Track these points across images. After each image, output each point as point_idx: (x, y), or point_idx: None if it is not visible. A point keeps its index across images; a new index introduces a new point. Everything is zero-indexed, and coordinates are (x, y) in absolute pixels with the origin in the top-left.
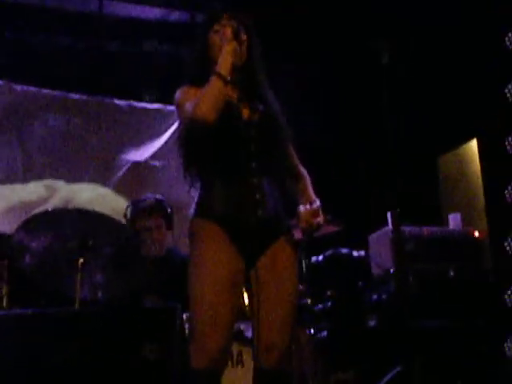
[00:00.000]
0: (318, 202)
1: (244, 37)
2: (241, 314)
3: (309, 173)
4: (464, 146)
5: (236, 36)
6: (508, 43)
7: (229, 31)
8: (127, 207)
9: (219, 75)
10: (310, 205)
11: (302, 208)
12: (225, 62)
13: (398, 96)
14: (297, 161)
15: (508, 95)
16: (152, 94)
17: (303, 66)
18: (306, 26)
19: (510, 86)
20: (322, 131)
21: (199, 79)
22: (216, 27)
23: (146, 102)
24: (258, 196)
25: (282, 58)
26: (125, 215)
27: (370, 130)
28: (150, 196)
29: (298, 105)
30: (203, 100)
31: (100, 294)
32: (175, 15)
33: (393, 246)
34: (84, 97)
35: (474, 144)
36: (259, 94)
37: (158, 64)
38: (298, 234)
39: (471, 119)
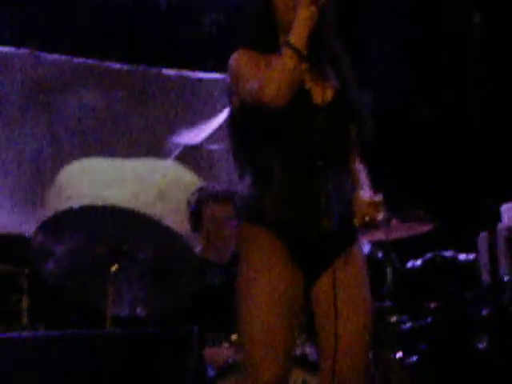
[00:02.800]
0: (380, 195)
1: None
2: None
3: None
4: None
5: (314, 0)
6: None
7: None
8: (193, 193)
9: (294, 49)
10: (371, 195)
11: (361, 194)
12: (301, 31)
13: None
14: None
15: None
16: (210, 60)
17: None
18: None
19: None
20: (415, 102)
21: (261, 43)
22: None
23: (203, 70)
24: (322, 201)
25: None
26: (188, 203)
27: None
28: (215, 185)
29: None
30: (274, 78)
31: (139, 310)
32: None
33: (508, 247)
34: (125, 66)
35: None
36: (335, 67)
37: (217, 22)
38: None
39: None
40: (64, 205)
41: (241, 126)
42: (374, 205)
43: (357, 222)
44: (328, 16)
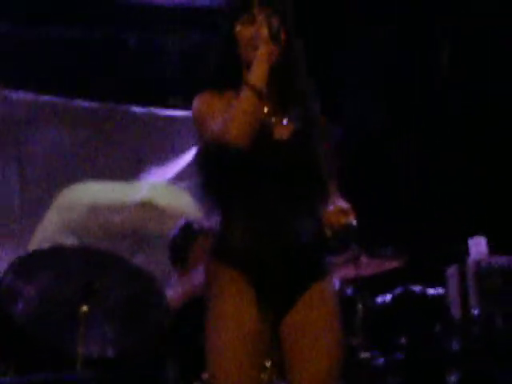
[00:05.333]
0: (346, 204)
1: (283, 34)
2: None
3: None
4: None
5: (275, 35)
6: None
7: (265, 31)
8: (180, 228)
9: (253, 88)
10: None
11: (329, 206)
12: (260, 70)
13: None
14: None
15: None
16: (178, 97)
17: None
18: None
19: None
20: (384, 140)
21: (223, 83)
22: (245, 18)
23: (170, 107)
24: (289, 231)
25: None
26: (174, 238)
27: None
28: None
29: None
30: (234, 120)
31: (110, 351)
32: None
33: (477, 281)
34: (93, 104)
35: None
36: (297, 104)
37: (185, 60)
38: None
39: None
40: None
41: (207, 163)
42: (343, 212)
43: (328, 232)
44: (294, 53)
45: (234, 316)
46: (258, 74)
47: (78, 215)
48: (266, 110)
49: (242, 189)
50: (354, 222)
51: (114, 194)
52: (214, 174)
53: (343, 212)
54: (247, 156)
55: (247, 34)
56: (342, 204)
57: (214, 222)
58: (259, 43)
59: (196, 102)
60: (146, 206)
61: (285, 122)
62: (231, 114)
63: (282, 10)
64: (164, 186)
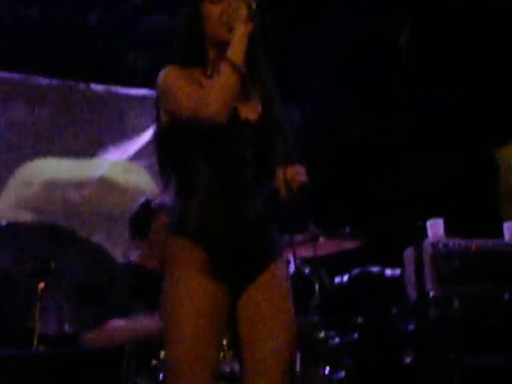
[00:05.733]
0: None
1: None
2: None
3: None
4: None
5: (253, 16)
6: None
7: (244, 11)
8: (135, 211)
9: (234, 65)
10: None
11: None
12: (240, 48)
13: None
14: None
15: None
16: (138, 76)
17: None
18: None
19: None
20: (343, 120)
21: (191, 59)
22: None
23: (130, 86)
24: (250, 212)
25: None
26: (136, 213)
27: (404, 120)
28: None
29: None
30: (214, 96)
31: (67, 327)
32: None
33: (434, 263)
34: (53, 81)
35: None
36: (261, 86)
37: (146, 39)
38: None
39: None
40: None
41: (168, 141)
42: (297, 172)
43: (284, 192)
44: (255, 34)
45: (192, 292)
46: (238, 51)
47: (35, 191)
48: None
49: (203, 167)
50: (307, 181)
51: (72, 171)
52: (176, 150)
53: (297, 172)
54: (214, 133)
55: (216, 12)
56: (295, 166)
57: (172, 199)
58: (238, 22)
59: (163, 75)
60: (105, 183)
61: (249, 103)
62: (211, 91)
63: None
64: (122, 164)
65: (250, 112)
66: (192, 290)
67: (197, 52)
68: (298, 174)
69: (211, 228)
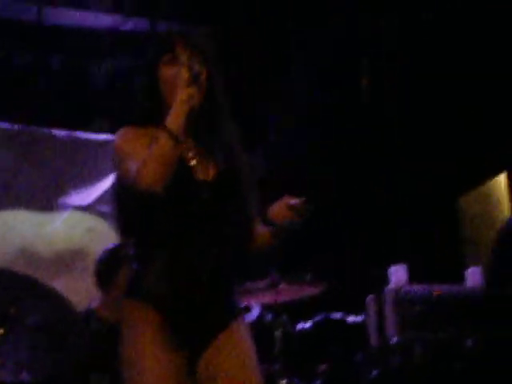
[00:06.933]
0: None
1: (204, 77)
2: None
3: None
4: (490, 182)
5: (194, 79)
6: None
7: (185, 73)
8: (101, 258)
9: (170, 133)
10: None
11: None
12: (178, 114)
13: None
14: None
15: None
16: (101, 121)
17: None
18: None
19: None
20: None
21: (145, 119)
22: (167, 57)
23: (93, 131)
24: (206, 278)
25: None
26: (98, 270)
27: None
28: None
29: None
30: (148, 165)
31: (25, 375)
32: (131, 24)
33: (396, 308)
34: (15, 126)
35: (502, 179)
36: (218, 143)
37: (110, 84)
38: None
39: (498, 150)
40: None
41: (124, 203)
42: (288, 206)
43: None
44: (214, 92)
45: (152, 359)
46: (175, 118)
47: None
48: (189, 147)
49: (160, 228)
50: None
51: (32, 220)
52: (131, 211)
53: (289, 206)
54: (167, 194)
55: (170, 74)
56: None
57: (131, 252)
58: (179, 87)
59: (118, 138)
60: (66, 231)
61: (207, 162)
62: (147, 158)
63: (204, 50)
64: (82, 212)
65: (208, 171)
66: (149, 354)
67: (154, 113)
68: (289, 208)
69: (169, 300)
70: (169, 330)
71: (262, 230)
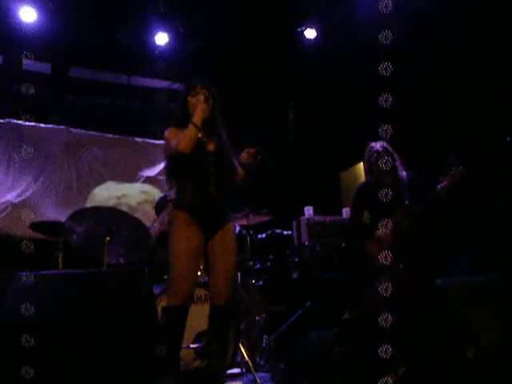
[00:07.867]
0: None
1: (211, 101)
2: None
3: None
4: (358, 164)
5: (206, 100)
6: None
7: (202, 97)
8: (160, 197)
9: (194, 124)
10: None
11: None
12: (198, 116)
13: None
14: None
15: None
16: (158, 132)
17: None
18: None
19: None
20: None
21: (181, 124)
22: (192, 93)
23: (154, 138)
24: (213, 198)
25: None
26: (158, 202)
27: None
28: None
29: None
30: (183, 139)
31: (121, 260)
32: (176, 85)
33: (307, 228)
34: (116, 136)
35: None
36: (217, 135)
37: (163, 115)
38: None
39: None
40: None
41: (170, 165)
42: (251, 150)
43: (247, 159)
44: (215, 111)
45: (185, 238)
46: (197, 117)
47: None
48: (201, 135)
49: (190, 175)
50: (258, 152)
51: (123, 187)
52: (174, 168)
53: (251, 150)
54: (191, 158)
55: (193, 101)
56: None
57: (174, 194)
58: (199, 103)
59: (166, 132)
60: (142, 195)
61: (212, 142)
62: (182, 136)
63: (210, 88)
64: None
65: (212, 147)
66: (183, 235)
67: (184, 121)
68: (252, 150)
69: (193, 206)
70: (195, 224)
71: (239, 171)
